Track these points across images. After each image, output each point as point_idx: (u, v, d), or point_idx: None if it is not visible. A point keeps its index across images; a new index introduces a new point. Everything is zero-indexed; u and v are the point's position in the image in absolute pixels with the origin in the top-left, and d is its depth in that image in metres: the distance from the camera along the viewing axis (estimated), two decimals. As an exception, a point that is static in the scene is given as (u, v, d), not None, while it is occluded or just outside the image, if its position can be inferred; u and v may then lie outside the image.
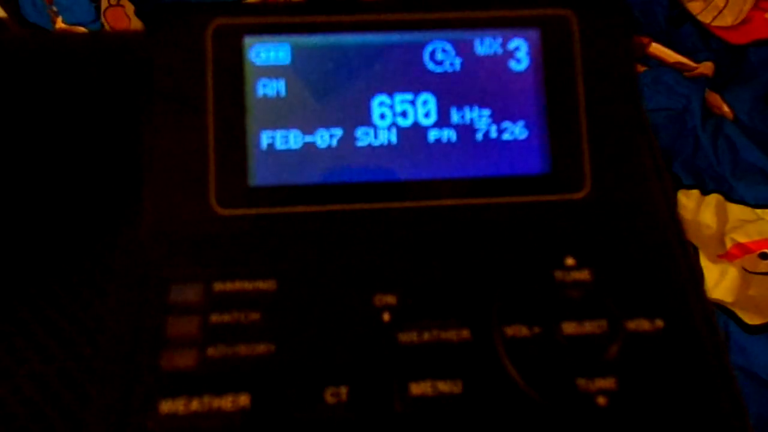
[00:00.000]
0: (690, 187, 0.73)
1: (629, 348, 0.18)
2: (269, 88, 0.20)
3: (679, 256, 0.19)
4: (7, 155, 0.21)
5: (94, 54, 0.21)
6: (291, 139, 0.20)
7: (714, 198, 0.72)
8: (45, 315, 0.18)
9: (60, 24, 0.84)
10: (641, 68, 0.83)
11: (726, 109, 0.80)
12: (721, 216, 0.69)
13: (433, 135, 0.20)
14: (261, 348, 0.18)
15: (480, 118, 0.21)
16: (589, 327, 0.18)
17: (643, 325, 0.18)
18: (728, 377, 0.17)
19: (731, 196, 0.71)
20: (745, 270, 0.62)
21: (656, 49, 0.83)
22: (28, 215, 0.20)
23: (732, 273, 0.62)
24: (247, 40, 0.20)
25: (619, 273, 0.19)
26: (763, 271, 0.61)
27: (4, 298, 0.19)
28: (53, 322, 0.18)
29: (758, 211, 0.69)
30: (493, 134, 0.21)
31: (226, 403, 0.17)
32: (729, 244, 0.65)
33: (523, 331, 0.18)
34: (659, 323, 0.18)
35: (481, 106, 0.21)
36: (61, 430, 0.17)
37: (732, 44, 0.82)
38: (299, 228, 0.20)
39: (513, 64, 0.21)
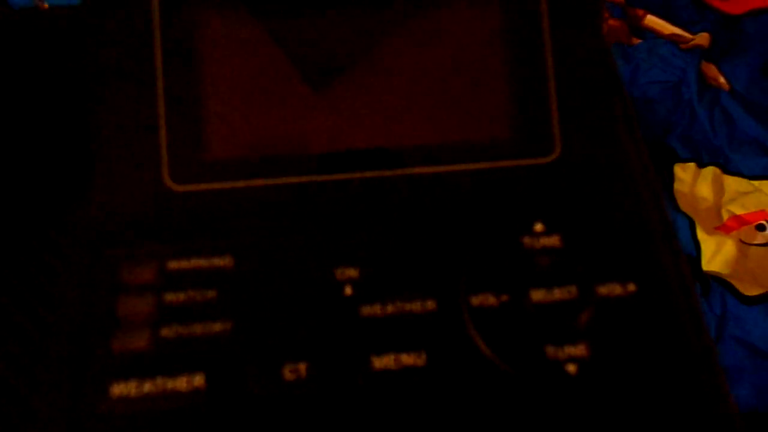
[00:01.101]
0: (686, 161, 0.72)
1: (601, 314, 0.17)
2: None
3: (654, 217, 0.18)
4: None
5: (37, 29, 0.20)
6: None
7: (710, 170, 0.70)
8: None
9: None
10: (636, 40, 0.81)
11: (722, 80, 0.78)
12: (718, 188, 0.68)
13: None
14: (217, 326, 0.17)
15: (443, 81, 0.20)
16: (558, 294, 0.17)
17: (615, 289, 0.17)
18: (704, 341, 0.16)
19: (728, 168, 0.70)
20: (742, 242, 0.61)
21: (651, 21, 0.81)
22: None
23: (729, 245, 0.60)
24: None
25: (590, 237, 0.18)
26: (760, 242, 0.60)
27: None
28: None
29: (755, 182, 0.68)
30: (458, 97, 0.19)
31: (180, 383, 0.16)
32: (726, 216, 0.64)
33: (491, 299, 0.17)
34: (631, 287, 0.17)
35: (444, 69, 0.20)
36: (10, 414, 0.16)
37: (728, 15, 0.81)
38: (255, 202, 0.19)
39: (478, 25, 0.20)
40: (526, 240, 0.18)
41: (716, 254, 0.59)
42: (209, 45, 0.19)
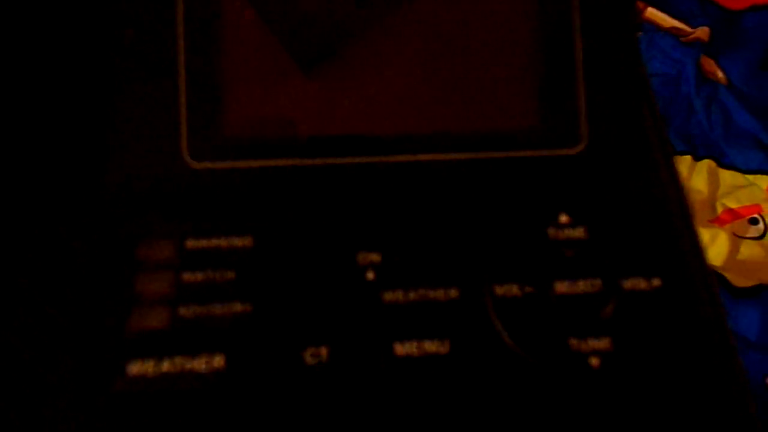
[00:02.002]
0: (682, 153, 0.72)
1: (625, 307, 0.16)
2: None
3: (678, 212, 0.18)
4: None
5: (58, 4, 0.19)
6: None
7: (706, 164, 0.70)
8: (7, 275, 0.17)
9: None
10: (636, 33, 0.80)
11: (720, 74, 0.78)
12: (713, 181, 0.68)
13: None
14: (236, 307, 0.17)
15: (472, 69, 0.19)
16: (582, 286, 0.17)
17: (640, 284, 0.17)
18: (725, 336, 0.16)
19: (723, 162, 0.70)
20: (735, 235, 0.61)
21: (652, 13, 0.80)
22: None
23: (722, 237, 0.61)
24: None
25: (615, 231, 0.17)
26: (753, 235, 0.61)
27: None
28: (14, 282, 0.17)
29: (749, 176, 0.68)
30: (486, 86, 0.19)
31: (199, 364, 0.16)
32: (720, 210, 0.64)
33: (514, 290, 0.17)
34: (656, 282, 0.17)
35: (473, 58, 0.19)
36: (27, 391, 0.16)
37: (728, 9, 0.80)
38: (277, 182, 0.18)
39: (507, 13, 0.19)
40: (551, 231, 0.17)
41: (709, 247, 0.60)
42: (231, 22, 0.18)
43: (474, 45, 0.19)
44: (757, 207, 0.63)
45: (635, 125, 0.19)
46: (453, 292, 0.17)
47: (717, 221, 0.64)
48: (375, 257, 0.17)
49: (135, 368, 0.16)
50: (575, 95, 0.19)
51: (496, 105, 0.19)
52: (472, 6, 0.19)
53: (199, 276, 0.17)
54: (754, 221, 0.62)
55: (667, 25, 0.84)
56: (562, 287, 0.17)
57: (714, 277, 0.17)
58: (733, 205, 0.64)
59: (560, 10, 0.19)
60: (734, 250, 0.60)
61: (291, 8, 0.18)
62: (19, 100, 0.18)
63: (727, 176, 0.66)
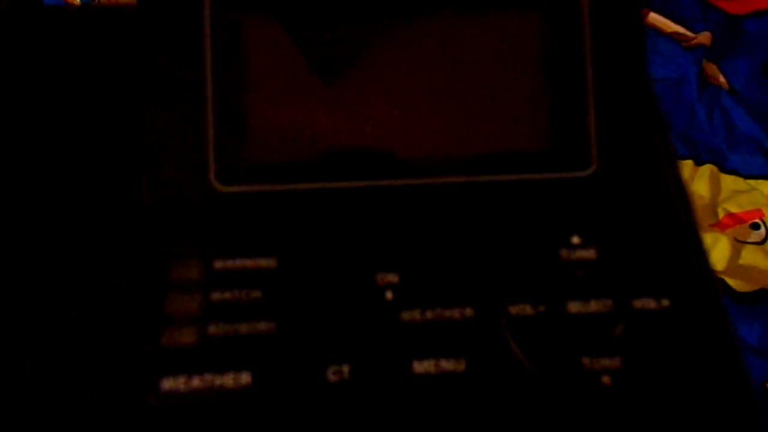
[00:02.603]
0: (684, 158, 0.72)
1: (635, 327, 0.17)
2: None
3: (687, 234, 0.18)
4: None
5: (86, 28, 0.20)
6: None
7: (708, 168, 0.71)
8: (43, 294, 0.17)
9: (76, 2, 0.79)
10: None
11: (722, 79, 0.78)
12: (715, 186, 0.68)
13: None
14: (262, 326, 0.17)
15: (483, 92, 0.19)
16: (594, 306, 0.17)
17: (650, 304, 0.17)
18: (735, 357, 0.16)
19: (725, 167, 0.70)
20: (737, 240, 0.62)
21: (654, 18, 0.80)
22: (22, 194, 0.19)
23: (723, 242, 0.61)
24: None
25: (625, 252, 0.18)
26: (754, 240, 0.61)
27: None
28: (51, 301, 0.17)
29: (751, 181, 0.68)
30: (497, 109, 0.19)
31: (227, 380, 0.16)
32: (721, 214, 0.65)
33: (528, 309, 0.17)
34: (665, 302, 0.17)
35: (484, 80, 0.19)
36: (62, 407, 0.16)
37: (730, 14, 0.80)
38: (300, 205, 0.19)
39: (517, 34, 0.20)
40: (563, 252, 0.18)
41: (711, 251, 0.60)
42: (258, 46, 0.19)
43: (485, 68, 0.19)
44: (758, 212, 0.63)
45: (645, 147, 0.19)
46: (469, 312, 0.17)
47: (718, 226, 0.64)
48: (393, 278, 0.18)
49: (168, 384, 0.16)
50: (586, 118, 0.19)
51: (508, 128, 0.19)
52: (482, 29, 0.20)
53: (227, 296, 0.17)
54: (755, 226, 0.63)
55: (670, 30, 0.84)
56: (574, 307, 0.17)
57: (721, 295, 0.17)
58: (734, 209, 0.64)
59: (571, 32, 0.19)
60: (735, 255, 0.60)
61: (314, 19, 0.19)
62: (53, 126, 0.19)
63: (729, 181, 0.67)
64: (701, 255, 0.18)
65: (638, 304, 0.17)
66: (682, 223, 0.18)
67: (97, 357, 0.17)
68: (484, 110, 0.19)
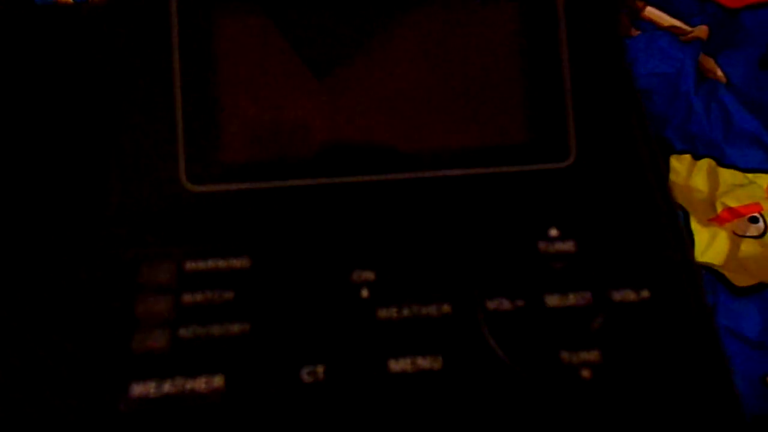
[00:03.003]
0: (682, 152, 0.71)
1: (614, 319, 0.17)
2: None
3: (667, 224, 0.18)
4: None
5: (53, 27, 0.20)
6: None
7: (706, 162, 0.70)
8: (10, 298, 0.17)
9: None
10: (635, 32, 0.80)
11: (719, 73, 0.78)
12: (713, 180, 0.67)
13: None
14: (235, 328, 0.17)
15: (459, 84, 0.19)
16: (573, 299, 0.17)
17: (629, 296, 0.17)
18: (716, 348, 0.16)
19: (723, 161, 0.70)
20: (735, 234, 0.61)
21: (651, 12, 0.80)
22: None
23: (722, 236, 0.60)
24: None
25: (604, 243, 0.18)
26: (753, 234, 0.61)
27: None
28: (19, 304, 0.17)
29: (750, 175, 0.67)
30: (474, 101, 0.19)
31: (199, 384, 0.16)
32: (719, 208, 0.64)
33: (506, 304, 0.17)
34: (645, 294, 0.17)
35: (460, 72, 0.19)
36: (32, 414, 0.16)
37: (727, 8, 0.79)
38: (273, 204, 0.18)
39: (494, 27, 0.19)
40: (541, 245, 0.18)
41: (709, 246, 0.60)
42: (227, 46, 0.19)
43: (462, 61, 0.19)
44: (757, 206, 0.63)
45: (624, 138, 0.19)
46: (446, 308, 0.17)
47: (717, 220, 0.64)
48: (369, 275, 0.17)
49: (138, 389, 0.16)
50: (563, 109, 0.19)
51: (485, 120, 0.19)
52: (459, 22, 0.19)
53: (199, 297, 0.17)
54: (754, 220, 0.62)
55: (666, 24, 0.84)
56: (552, 300, 0.17)
57: (702, 282, 0.17)
58: (733, 203, 0.63)
59: (547, 25, 0.19)
60: (734, 248, 0.59)
61: (305, 14, 0.19)
62: (22, 127, 0.19)
63: (727, 175, 0.66)
64: (682, 245, 0.17)
65: (617, 296, 0.17)
66: (662, 213, 0.18)
67: (66, 363, 0.16)
68: (462, 103, 0.19)
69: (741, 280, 0.59)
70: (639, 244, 0.17)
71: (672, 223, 0.18)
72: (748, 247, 0.62)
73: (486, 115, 0.19)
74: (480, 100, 0.19)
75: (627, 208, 0.18)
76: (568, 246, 0.18)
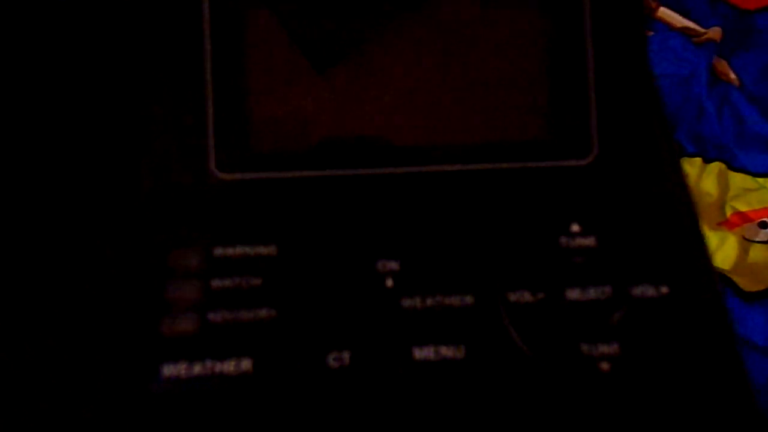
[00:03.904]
0: (692, 155, 0.72)
1: (634, 314, 0.17)
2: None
3: (686, 222, 0.19)
4: None
5: (85, 12, 0.20)
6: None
7: (716, 166, 0.71)
8: (42, 283, 0.18)
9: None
10: (648, 33, 0.81)
11: (732, 76, 0.78)
12: (723, 184, 0.68)
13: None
14: (262, 313, 0.18)
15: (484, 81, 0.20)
16: (593, 293, 0.18)
17: (648, 291, 0.18)
18: (731, 344, 0.17)
19: (733, 165, 0.70)
20: (744, 238, 0.62)
21: (664, 13, 0.81)
22: (19, 182, 0.19)
23: (731, 241, 0.61)
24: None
25: (625, 239, 0.18)
26: (763, 239, 0.61)
27: None
28: (51, 289, 0.18)
29: (760, 180, 0.68)
30: (498, 98, 0.20)
31: (228, 367, 0.17)
32: (729, 212, 0.65)
33: (527, 297, 0.18)
34: (664, 290, 0.18)
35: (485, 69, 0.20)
36: (64, 396, 0.17)
37: (741, 10, 0.80)
38: (300, 193, 0.19)
39: (518, 23, 0.20)
40: (563, 240, 0.18)
41: (718, 250, 0.60)
42: (258, 35, 0.19)
43: (485, 56, 0.20)
44: (767, 210, 0.63)
45: (645, 135, 0.20)
46: (468, 299, 0.18)
47: (726, 224, 0.64)
48: (393, 265, 0.18)
49: (169, 371, 0.17)
50: (586, 107, 0.20)
51: (508, 116, 0.20)
52: (483, 17, 0.20)
53: (227, 283, 0.18)
54: (763, 225, 0.63)
55: (679, 25, 0.84)
56: (573, 294, 0.18)
57: (720, 283, 0.18)
58: (742, 208, 0.64)
59: (571, 20, 0.20)
60: (743, 253, 0.60)
61: (308, 11, 0.19)
62: (55, 113, 0.19)
63: (738, 179, 0.67)
64: (700, 243, 0.18)
65: (637, 291, 0.18)
66: (681, 211, 0.19)
67: (98, 346, 0.17)
68: (485, 98, 0.20)
69: (749, 285, 0.59)
70: (658, 241, 0.18)
71: (691, 221, 0.19)
72: (757, 253, 0.63)
73: (511, 111, 0.20)
74: (506, 97, 0.20)
75: (647, 205, 0.19)
76: (589, 241, 0.18)
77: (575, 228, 0.19)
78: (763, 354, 0.52)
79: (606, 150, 0.19)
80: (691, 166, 0.69)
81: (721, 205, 0.65)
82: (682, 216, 0.19)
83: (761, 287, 0.57)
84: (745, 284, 0.57)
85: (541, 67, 0.20)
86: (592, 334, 0.17)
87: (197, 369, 0.17)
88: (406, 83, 0.20)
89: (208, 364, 0.17)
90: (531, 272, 0.18)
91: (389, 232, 0.19)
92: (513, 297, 0.18)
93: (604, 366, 0.17)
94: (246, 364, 0.17)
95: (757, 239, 0.62)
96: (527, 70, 0.20)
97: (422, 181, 0.19)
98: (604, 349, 0.17)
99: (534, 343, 0.17)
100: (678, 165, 0.20)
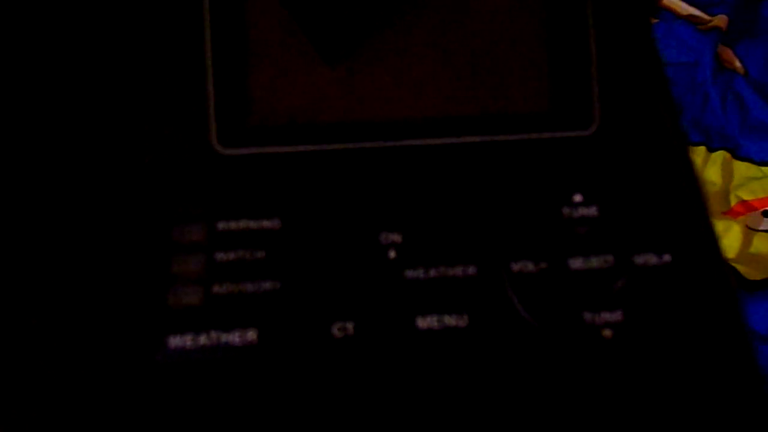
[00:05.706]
0: (697, 144, 0.73)
1: (636, 282, 0.18)
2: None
3: (688, 190, 0.19)
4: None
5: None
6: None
7: (720, 155, 0.71)
8: (48, 257, 0.18)
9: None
10: (653, 20, 0.81)
11: (737, 64, 0.79)
12: (727, 173, 0.69)
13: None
14: (267, 285, 0.18)
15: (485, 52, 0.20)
16: (595, 262, 0.18)
17: (651, 259, 0.18)
18: (735, 310, 0.17)
19: (738, 154, 0.71)
20: (748, 227, 0.63)
21: (670, 1, 0.81)
22: (24, 159, 0.20)
23: (735, 230, 0.62)
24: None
25: (627, 209, 0.19)
26: (766, 228, 0.62)
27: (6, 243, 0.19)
28: (56, 264, 0.18)
29: (764, 168, 0.69)
30: (499, 69, 0.20)
31: (233, 337, 0.18)
32: (733, 201, 0.66)
33: (530, 266, 0.18)
34: (666, 258, 0.18)
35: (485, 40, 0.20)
36: (74, 369, 0.17)
37: (746, -3, 0.81)
38: (303, 167, 0.20)
39: None
40: (565, 210, 0.19)
41: (722, 239, 0.61)
42: (258, 8, 0.20)
43: (487, 28, 0.21)
44: (771, 198, 0.64)
45: (647, 106, 0.20)
46: (471, 269, 0.18)
47: (730, 213, 0.65)
48: (396, 237, 0.19)
49: (175, 342, 0.17)
50: (588, 77, 0.20)
51: (510, 88, 0.20)
52: None
53: (231, 256, 0.18)
54: (767, 214, 0.64)
55: (685, 13, 0.85)
56: (575, 263, 0.18)
57: (720, 247, 0.18)
58: (746, 197, 0.65)
59: None
60: (747, 242, 0.61)
61: (318, 6, 0.20)
62: (56, 91, 0.20)
63: (742, 168, 0.68)
64: (702, 211, 0.19)
65: (639, 259, 0.18)
66: (683, 179, 0.19)
67: (105, 319, 0.18)
68: (486, 70, 0.20)
69: (753, 274, 0.60)
70: (661, 210, 0.19)
71: (693, 190, 0.19)
72: (760, 242, 0.64)
73: (513, 83, 0.20)
74: (507, 69, 0.20)
75: (649, 175, 0.19)
76: (591, 211, 0.19)
77: (577, 198, 0.19)
78: (765, 343, 0.52)
79: (608, 121, 0.20)
80: (696, 155, 0.70)
81: (725, 194, 0.66)
82: (684, 185, 0.19)
83: (764, 276, 0.58)
84: (749, 273, 0.58)
85: (543, 38, 0.20)
86: (595, 302, 0.18)
87: (203, 340, 0.17)
88: (408, 56, 0.20)
89: (214, 334, 0.18)
90: (534, 242, 0.19)
91: (392, 204, 0.19)
92: (516, 267, 0.18)
93: (607, 333, 0.18)
94: (251, 334, 0.18)
95: (761, 228, 0.63)
96: (529, 42, 0.20)
97: (424, 154, 0.20)
98: (606, 316, 0.18)
99: (537, 311, 0.18)
100: (680, 134, 0.20)
